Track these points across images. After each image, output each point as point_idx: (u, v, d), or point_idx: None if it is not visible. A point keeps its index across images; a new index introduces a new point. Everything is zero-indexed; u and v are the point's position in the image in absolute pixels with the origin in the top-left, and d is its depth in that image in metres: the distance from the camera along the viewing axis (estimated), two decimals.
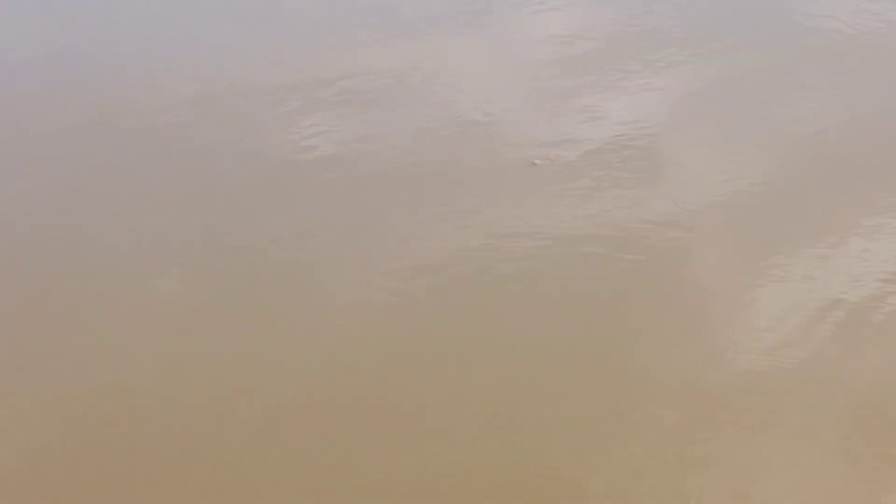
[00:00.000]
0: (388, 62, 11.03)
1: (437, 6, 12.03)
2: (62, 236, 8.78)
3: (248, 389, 7.07)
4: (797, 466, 6.32)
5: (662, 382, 6.91)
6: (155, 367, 7.31)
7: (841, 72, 10.44)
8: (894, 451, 6.41)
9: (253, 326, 7.64)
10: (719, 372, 7.02)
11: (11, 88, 11.16)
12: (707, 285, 7.85)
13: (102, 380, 7.24)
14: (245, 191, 9.23)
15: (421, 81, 10.77)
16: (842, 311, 7.43)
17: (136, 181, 9.50)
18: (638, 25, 11.37)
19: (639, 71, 10.62)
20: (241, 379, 7.16)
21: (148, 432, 6.79)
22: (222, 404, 6.97)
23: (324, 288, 7.96)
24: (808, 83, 10.32)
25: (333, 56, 11.26)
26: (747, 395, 6.82)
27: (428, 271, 8.05)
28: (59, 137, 10.14)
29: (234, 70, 11.19)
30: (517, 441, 6.58)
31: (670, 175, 9.17)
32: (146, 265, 8.38)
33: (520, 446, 6.55)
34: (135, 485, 6.46)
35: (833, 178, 8.98)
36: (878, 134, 9.53)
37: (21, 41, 12.04)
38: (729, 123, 9.88)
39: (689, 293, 7.75)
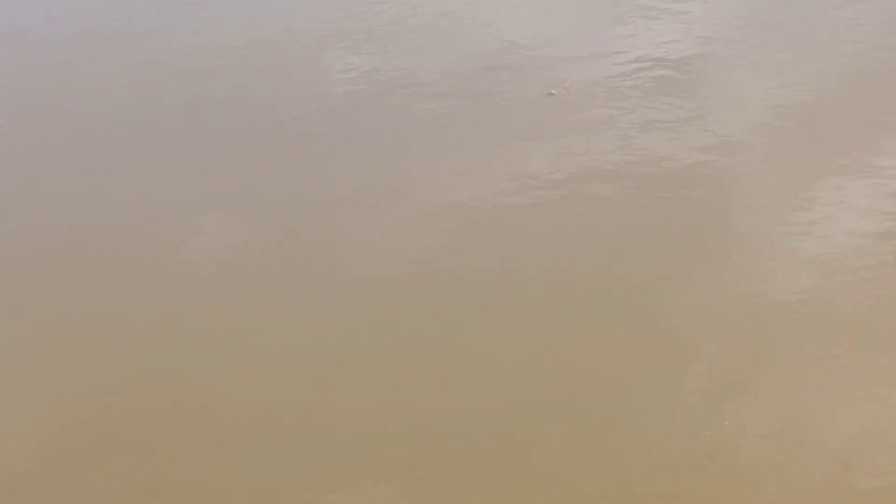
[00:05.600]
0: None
1: None
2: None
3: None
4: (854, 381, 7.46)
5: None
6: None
7: None
8: None
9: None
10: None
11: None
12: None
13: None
14: (296, 135, 10.52)
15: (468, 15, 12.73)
16: None
17: (176, 135, 10.93)
18: None
19: None
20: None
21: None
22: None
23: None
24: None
25: None
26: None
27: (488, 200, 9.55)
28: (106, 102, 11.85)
29: (278, 13, 13.14)
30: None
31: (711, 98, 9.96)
32: (189, 217, 9.42)
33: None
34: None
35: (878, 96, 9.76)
36: None
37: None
38: (770, 44, 10.82)
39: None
